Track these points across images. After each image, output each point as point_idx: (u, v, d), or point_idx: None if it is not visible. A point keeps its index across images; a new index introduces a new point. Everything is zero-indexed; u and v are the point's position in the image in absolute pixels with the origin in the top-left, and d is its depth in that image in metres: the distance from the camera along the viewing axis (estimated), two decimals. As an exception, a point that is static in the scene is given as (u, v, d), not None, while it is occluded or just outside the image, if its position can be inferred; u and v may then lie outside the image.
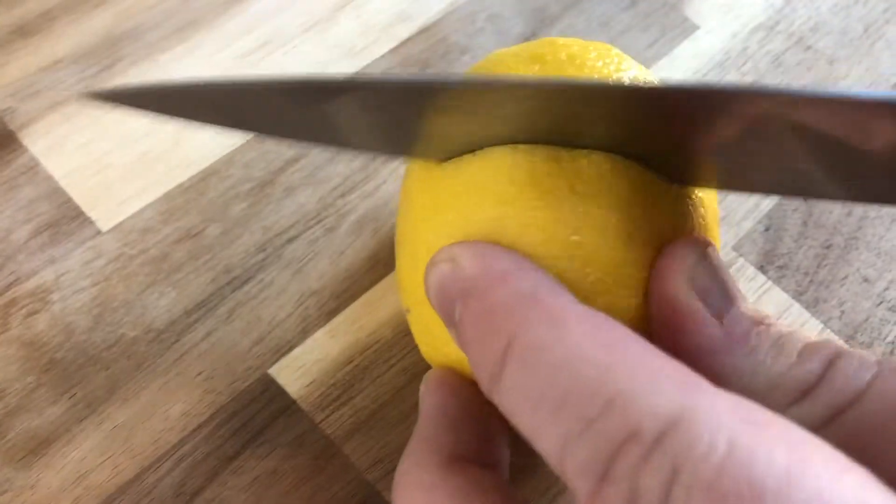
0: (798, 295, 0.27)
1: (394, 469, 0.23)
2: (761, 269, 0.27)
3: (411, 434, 0.19)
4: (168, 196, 0.27)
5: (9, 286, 0.25)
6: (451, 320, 0.16)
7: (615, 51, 0.20)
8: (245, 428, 0.23)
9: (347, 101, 0.15)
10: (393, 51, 0.31)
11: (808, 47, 0.32)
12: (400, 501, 0.17)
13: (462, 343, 0.16)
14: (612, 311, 0.17)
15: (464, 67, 0.31)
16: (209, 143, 0.28)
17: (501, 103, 0.15)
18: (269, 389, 0.24)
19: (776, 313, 0.26)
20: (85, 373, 0.24)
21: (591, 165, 0.17)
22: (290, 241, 0.26)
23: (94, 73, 0.29)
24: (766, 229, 0.28)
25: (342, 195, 0.27)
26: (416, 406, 0.24)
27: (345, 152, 0.27)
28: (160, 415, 0.23)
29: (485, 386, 0.15)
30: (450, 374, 0.19)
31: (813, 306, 0.26)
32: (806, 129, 0.13)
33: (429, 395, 0.18)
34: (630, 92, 0.14)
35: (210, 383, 0.24)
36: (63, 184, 0.27)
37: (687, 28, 0.32)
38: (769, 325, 0.16)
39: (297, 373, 0.24)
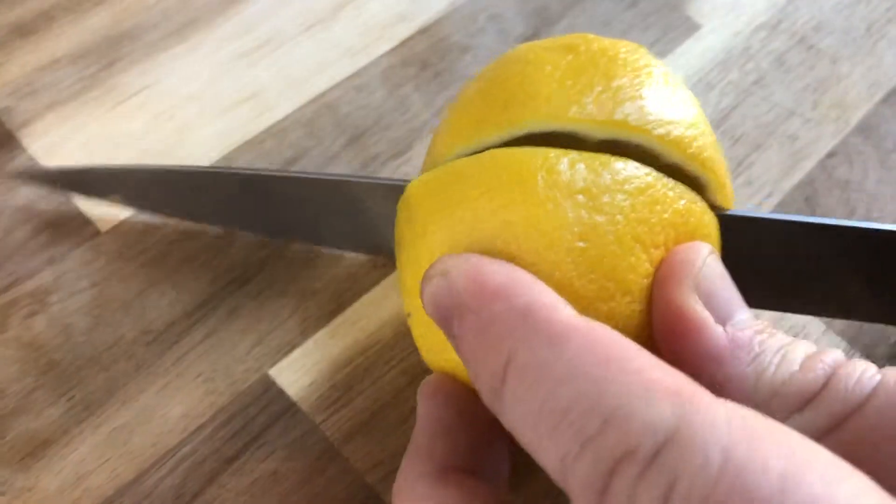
0: (800, 296, 0.26)
1: (394, 471, 0.22)
2: (763, 269, 0.27)
3: (411, 437, 0.18)
4: (167, 196, 0.27)
5: (8, 287, 0.25)
6: (450, 333, 0.16)
7: (643, 49, 0.20)
8: (245, 429, 0.23)
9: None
10: (393, 50, 0.31)
11: (811, 46, 0.32)
12: None
13: (462, 357, 0.16)
14: (615, 318, 0.16)
15: (464, 67, 0.30)
16: (208, 144, 0.28)
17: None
18: (269, 391, 0.24)
19: (779, 315, 0.26)
20: (84, 374, 0.23)
21: (597, 171, 0.17)
22: (289, 241, 0.26)
23: (93, 72, 0.29)
24: (769, 230, 0.28)
25: (342, 195, 0.27)
26: (416, 408, 0.24)
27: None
28: (159, 416, 0.23)
29: (487, 400, 0.15)
30: (446, 380, 0.18)
31: (815, 307, 0.26)
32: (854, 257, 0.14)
33: (424, 402, 0.18)
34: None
35: (210, 385, 0.24)
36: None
37: (689, 27, 0.32)
38: (772, 334, 0.16)
39: (297, 374, 0.24)
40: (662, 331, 0.17)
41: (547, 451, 0.13)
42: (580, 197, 0.17)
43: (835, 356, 0.16)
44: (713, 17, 0.33)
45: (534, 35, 0.32)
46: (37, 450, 0.22)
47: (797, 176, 0.29)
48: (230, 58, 0.30)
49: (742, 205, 0.28)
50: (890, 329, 0.26)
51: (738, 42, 0.32)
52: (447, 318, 0.16)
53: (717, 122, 0.30)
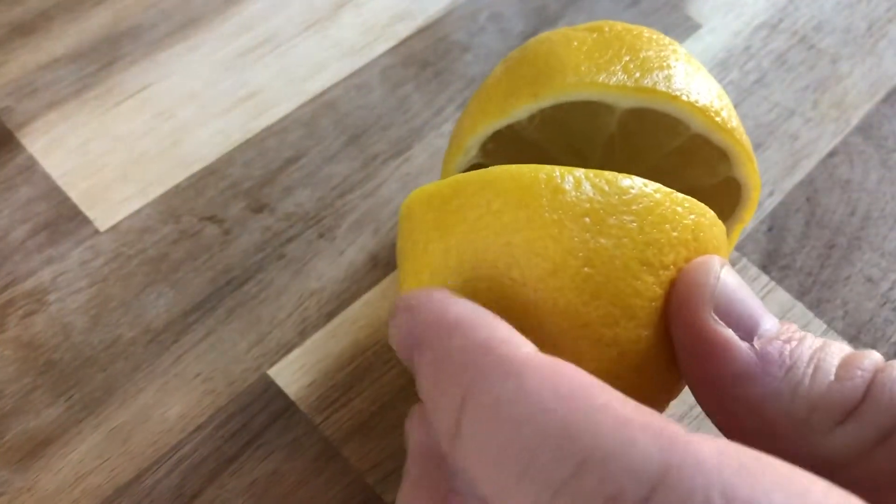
0: (801, 295, 0.26)
1: (394, 471, 0.22)
2: (764, 269, 0.27)
3: (404, 469, 0.17)
4: (166, 196, 0.27)
5: (6, 287, 0.25)
6: (412, 369, 0.15)
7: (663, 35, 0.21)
8: (244, 429, 0.23)
9: None
10: (393, 49, 0.31)
11: (812, 46, 0.32)
12: None
13: (421, 396, 0.15)
14: (619, 343, 0.16)
15: (464, 66, 0.30)
16: (208, 143, 0.28)
17: None
18: (269, 391, 0.24)
19: (779, 314, 0.26)
20: (82, 374, 0.23)
21: (603, 191, 0.17)
22: (289, 240, 0.26)
23: (93, 71, 0.29)
24: (770, 229, 0.28)
25: (341, 195, 0.27)
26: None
27: None
28: (158, 416, 0.23)
29: (445, 447, 0.14)
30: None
31: (816, 307, 0.26)
32: None
33: (413, 432, 0.17)
34: None
35: (209, 384, 0.24)
36: (61, 183, 0.27)
37: (689, 27, 0.32)
38: (801, 339, 0.15)
39: (296, 374, 0.24)
40: (687, 358, 0.16)
41: (514, 500, 0.12)
42: (586, 219, 0.16)
43: (872, 359, 0.15)
44: (713, 16, 0.33)
45: (534, 33, 0.32)
46: (35, 450, 0.22)
47: (798, 175, 0.29)
48: (230, 57, 0.30)
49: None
50: (890, 328, 0.26)
51: (738, 42, 0.32)
52: (409, 352, 0.15)
53: (718, 122, 0.30)
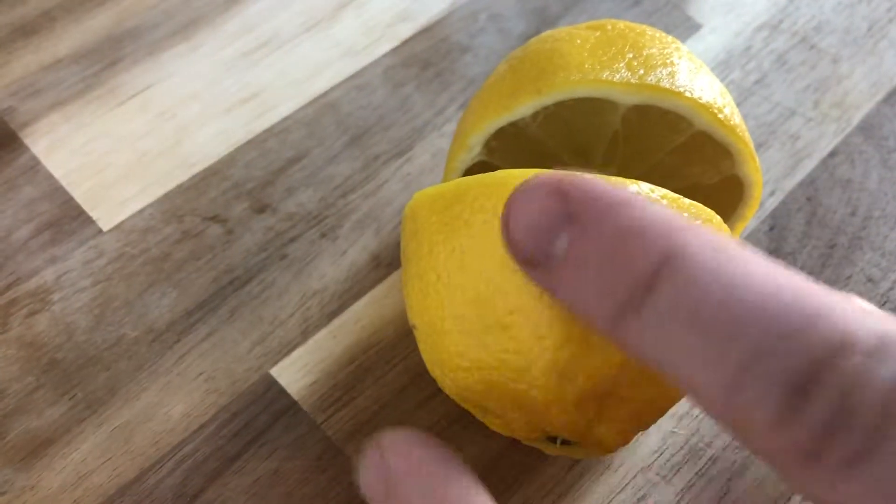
0: (802, 295, 0.26)
1: (396, 470, 0.22)
2: (765, 268, 0.27)
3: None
4: (169, 195, 0.27)
5: (9, 286, 0.25)
6: (539, 259, 0.14)
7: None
8: (246, 429, 0.23)
9: None
10: (394, 50, 0.31)
11: (812, 46, 0.32)
12: None
13: (565, 282, 0.13)
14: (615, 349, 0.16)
15: (465, 67, 0.30)
16: (211, 143, 0.28)
17: None
18: (271, 390, 0.24)
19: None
20: (85, 373, 0.23)
21: None
22: (291, 240, 0.26)
23: (96, 71, 0.29)
24: (771, 229, 0.28)
25: (343, 195, 0.27)
26: (418, 406, 0.24)
27: None
28: (161, 416, 0.23)
29: (608, 323, 0.13)
30: (412, 436, 0.15)
31: (817, 306, 0.26)
32: None
33: (371, 473, 0.15)
34: None
35: (211, 384, 0.24)
36: (64, 183, 0.27)
37: (690, 27, 0.32)
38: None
39: (298, 373, 0.24)
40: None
41: (710, 368, 0.11)
42: None
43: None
44: (714, 16, 0.33)
45: (535, 35, 0.32)
46: (38, 449, 0.22)
47: (799, 175, 0.29)
48: (232, 57, 0.30)
49: (744, 204, 0.28)
50: (892, 328, 0.26)
51: (739, 42, 0.32)
52: (546, 237, 0.13)
53: (719, 122, 0.30)
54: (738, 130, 0.20)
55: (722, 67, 0.31)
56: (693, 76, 0.20)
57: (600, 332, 0.13)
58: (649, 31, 0.21)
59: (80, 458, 0.22)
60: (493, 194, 0.17)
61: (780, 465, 0.11)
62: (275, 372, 0.24)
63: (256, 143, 0.28)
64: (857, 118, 0.30)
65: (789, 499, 0.23)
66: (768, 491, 0.23)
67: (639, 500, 0.22)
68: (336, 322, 0.25)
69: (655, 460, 0.23)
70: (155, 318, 0.25)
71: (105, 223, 0.26)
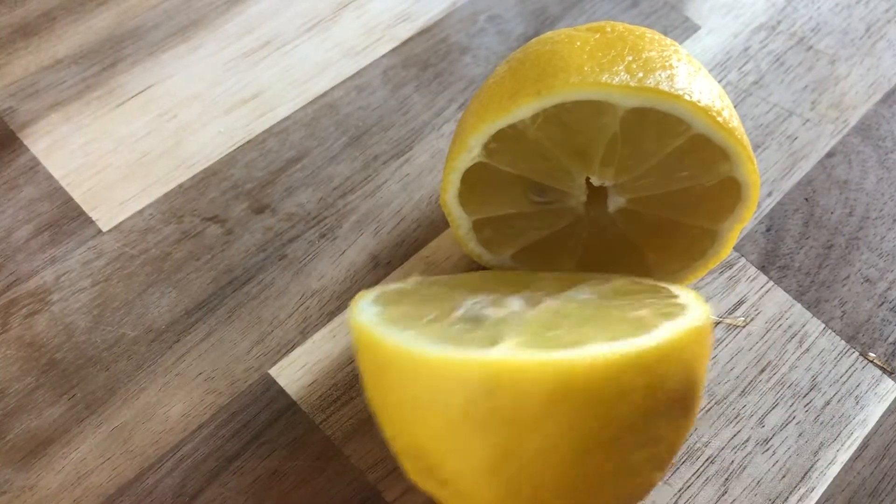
0: (799, 295, 0.26)
1: (394, 470, 0.23)
2: (763, 269, 0.27)
3: None
4: (169, 196, 0.27)
5: (9, 286, 0.25)
6: None
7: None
8: (245, 429, 0.23)
9: None
10: (393, 51, 0.31)
11: (810, 47, 0.32)
12: None
13: None
14: None
15: (464, 68, 0.31)
16: (210, 144, 0.28)
17: None
18: (270, 390, 0.24)
19: (777, 314, 0.26)
20: (85, 373, 0.23)
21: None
22: (290, 241, 0.26)
23: (96, 72, 0.29)
24: (768, 230, 0.28)
25: (343, 195, 0.27)
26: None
27: None
28: (160, 415, 0.23)
29: None
30: None
31: (814, 307, 0.26)
32: None
33: None
34: None
35: (210, 384, 0.24)
36: (64, 184, 0.27)
37: (688, 28, 0.32)
38: None
39: (297, 373, 0.24)
40: None
41: None
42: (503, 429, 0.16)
43: None
44: (712, 17, 0.33)
45: (534, 36, 0.32)
46: (38, 449, 0.22)
47: (796, 176, 0.29)
48: (232, 58, 0.30)
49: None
50: (888, 328, 0.26)
51: (737, 43, 0.32)
52: None
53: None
54: (736, 133, 0.20)
55: (720, 68, 0.32)
56: (692, 79, 0.20)
57: None
58: (648, 33, 0.21)
59: (79, 457, 0.22)
60: (420, 381, 0.16)
61: None
62: (274, 372, 0.24)
63: (256, 144, 0.28)
64: (854, 119, 0.31)
65: (787, 499, 0.23)
66: (766, 491, 0.23)
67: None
68: (335, 322, 0.25)
69: (653, 460, 0.23)
70: (154, 318, 0.25)
71: (105, 223, 0.26)
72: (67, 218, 0.26)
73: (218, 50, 0.30)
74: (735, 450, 0.24)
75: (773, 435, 0.24)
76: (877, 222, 0.28)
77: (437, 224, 0.27)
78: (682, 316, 0.17)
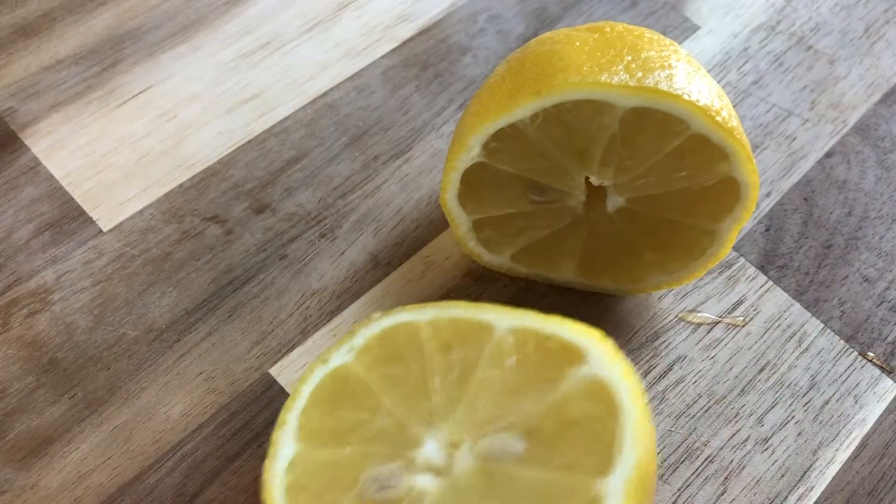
0: (798, 295, 0.27)
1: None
2: (762, 268, 0.27)
3: None
4: (169, 196, 0.27)
5: (10, 286, 0.25)
6: None
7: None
8: (246, 428, 0.23)
9: None
10: (393, 51, 0.31)
11: (809, 47, 0.32)
12: None
13: None
14: None
15: (464, 68, 0.31)
16: (210, 144, 0.28)
17: None
18: (270, 389, 0.24)
19: (776, 314, 0.26)
20: (85, 373, 0.24)
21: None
22: (290, 241, 0.26)
23: (96, 72, 0.29)
24: (767, 229, 0.28)
25: (342, 195, 0.27)
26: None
27: None
28: (161, 415, 0.23)
29: None
30: None
31: (813, 306, 0.26)
32: None
33: None
34: None
35: (211, 383, 0.24)
36: (64, 184, 0.27)
37: (687, 28, 0.33)
38: None
39: (298, 373, 0.24)
40: None
41: None
42: None
43: None
44: (711, 18, 0.33)
45: (533, 36, 0.32)
46: (38, 448, 0.22)
47: (795, 176, 0.29)
48: (232, 58, 0.30)
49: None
50: (886, 328, 0.26)
51: (736, 43, 0.32)
52: None
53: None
54: (735, 133, 0.20)
55: (719, 68, 0.32)
56: (691, 79, 0.20)
57: None
58: (647, 33, 0.21)
59: (80, 457, 0.22)
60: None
61: None
62: (274, 371, 0.24)
63: (256, 144, 0.28)
64: (853, 119, 0.31)
65: (786, 498, 0.23)
66: (765, 490, 0.23)
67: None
68: (335, 321, 0.25)
69: (653, 459, 0.23)
70: (155, 317, 0.25)
71: (105, 223, 0.26)
72: (68, 218, 0.26)
73: (218, 50, 0.30)
74: (734, 449, 0.24)
75: (773, 434, 0.24)
76: (876, 222, 0.28)
77: (436, 224, 0.27)
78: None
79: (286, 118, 0.29)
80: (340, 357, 0.19)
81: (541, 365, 0.18)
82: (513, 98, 0.20)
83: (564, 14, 0.32)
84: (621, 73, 0.19)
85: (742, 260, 0.27)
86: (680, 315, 0.26)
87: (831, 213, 0.28)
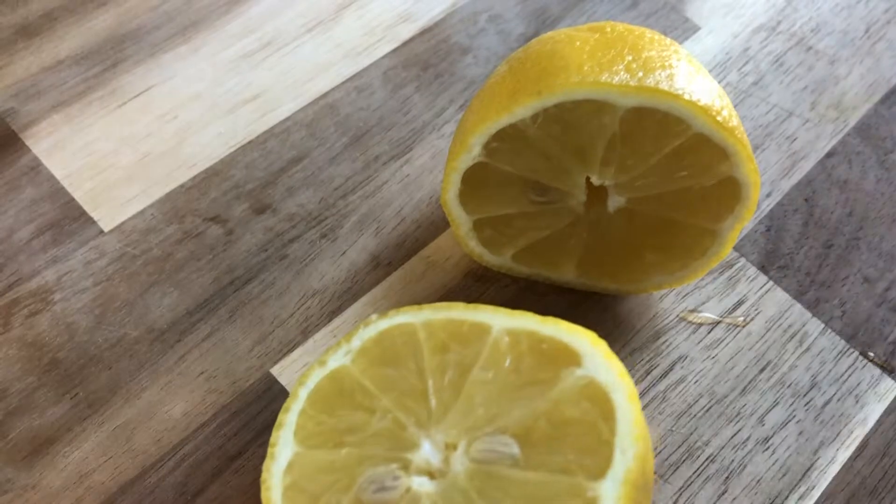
0: (799, 295, 0.27)
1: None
2: (762, 269, 0.27)
3: None
4: (170, 196, 0.27)
5: (11, 286, 0.25)
6: None
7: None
8: (247, 427, 0.23)
9: None
10: (394, 52, 0.31)
11: (810, 48, 0.32)
12: None
13: None
14: None
15: (465, 68, 0.31)
16: (211, 144, 0.28)
17: None
18: (271, 389, 0.24)
19: (777, 314, 0.26)
20: (87, 373, 0.24)
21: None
22: (291, 241, 0.26)
23: (97, 73, 0.29)
24: (768, 230, 0.28)
25: (343, 195, 0.27)
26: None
27: None
28: (162, 414, 0.23)
29: None
30: None
31: (814, 306, 0.26)
32: None
33: None
34: None
35: (212, 383, 0.24)
36: (65, 184, 0.27)
37: (688, 28, 0.33)
38: None
39: (298, 373, 0.24)
40: None
41: None
42: None
43: None
44: (712, 18, 0.33)
45: (534, 36, 0.32)
46: (40, 448, 0.22)
47: (796, 176, 0.29)
48: (233, 59, 0.30)
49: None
50: (887, 328, 0.26)
51: (736, 43, 0.32)
52: None
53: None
54: (736, 133, 0.20)
55: (720, 69, 0.32)
56: (691, 79, 0.20)
57: None
58: (648, 33, 0.21)
59: (81, 456, 0.22)
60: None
61: None
62: (275, 371, 0.24)
63: (257, 144, 0.28)
64: (854, 119, 0.31)
65: (787, 497, 0.23)
66: (766, 490, 0.23)
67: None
68: (336, 321, 0.25)
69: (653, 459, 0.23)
70: (156, 317, 0.25)
71: (106, 224, 0.26)
72: (69, 218, 0.26)
73: (219, 51, 0.30)
74: (735, 449, 0.24)
75: (774, 434, 0.24)
76: (876, 222, 0.28)
77: (437, 224, 0.27)
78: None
79: (287, 118, 0.29)
80: (338, 359, 0.20)
81: (536, 366, 0.18)
82: (514, 98, 0.20)
83: (565, 14, 0.32)
84: (622, 72, 0.19)
85: (743, 260, 0.27)
86: (681, 315, 0.26)
87: (832, 213, 0.28)
